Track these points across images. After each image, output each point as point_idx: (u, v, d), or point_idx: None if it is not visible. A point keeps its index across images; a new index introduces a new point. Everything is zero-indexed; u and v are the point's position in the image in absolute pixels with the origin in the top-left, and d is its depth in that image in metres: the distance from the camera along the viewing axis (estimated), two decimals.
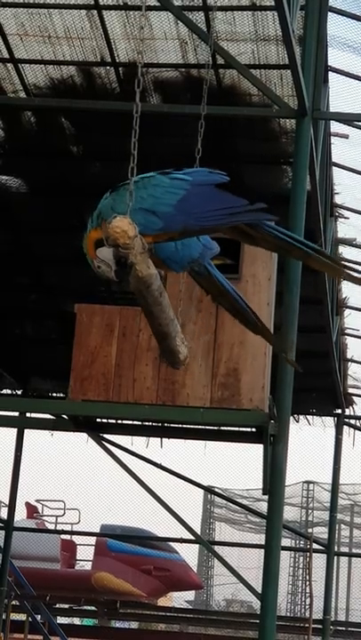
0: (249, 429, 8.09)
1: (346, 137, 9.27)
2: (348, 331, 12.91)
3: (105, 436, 8.22)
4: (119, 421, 8.63)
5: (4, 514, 15.22)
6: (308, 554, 11.14)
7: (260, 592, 6.82)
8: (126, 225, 3.73)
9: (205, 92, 5.06)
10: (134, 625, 22.44)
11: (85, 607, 18.54)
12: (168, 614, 17.94)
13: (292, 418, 9.39)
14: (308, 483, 29.18)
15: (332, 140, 9.44)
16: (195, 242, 4.37)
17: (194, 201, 4.06)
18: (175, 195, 4.08)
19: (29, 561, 17.78)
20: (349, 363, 13.52)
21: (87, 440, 9.05)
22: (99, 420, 8.35)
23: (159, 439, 12.43)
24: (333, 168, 9.95)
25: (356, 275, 4.44)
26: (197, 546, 23.00)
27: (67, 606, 18.64)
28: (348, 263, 4.59)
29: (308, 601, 11.32)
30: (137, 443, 10.95)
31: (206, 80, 5.20)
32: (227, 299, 4.63)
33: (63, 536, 19.40)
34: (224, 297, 4.63)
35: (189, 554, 23.00)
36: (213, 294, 4.68)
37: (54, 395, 14.36)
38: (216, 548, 16.49)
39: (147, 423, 8.44)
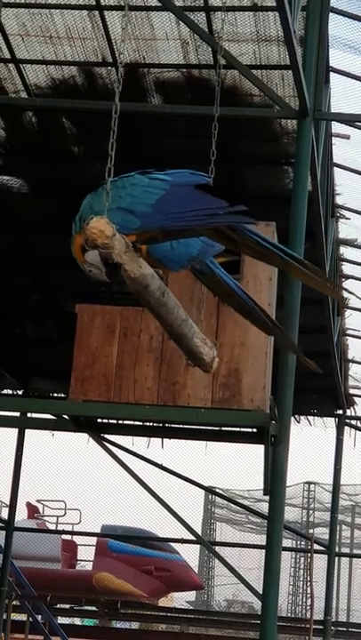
0: (250, 430, 8.08)
1: (347, 137, 9.27)
2: (349, 331, 12.91)
3: (106, 436, 8.22)
4: (120, 422, 8.63)
5: (5, 514, 15.22)
6: (309, 554, 11.14)
7: (260, 592, 6.82)
8: (103, 225, 3.71)
9: (218, 93, 5.06)
10: (135, 625, 22.44)
11: (86, 607, 18.54)
12: (169, 615, 17.95)
13: (293, 418, 9.40)
14: (309, 483, 29.18)
15: (334, 140, 9.44)
16: (193, 239, 4.32)
17: (172, 201, 4.01)
18: (153, 194, 4.04)
19: (30, 561, 17.79)
20: (350, 363, 13.52)
21: (88, 440, 9.04)
22: (100, 420, 8.35)
23: (160, 439, 12.42)
24: (335, 168, 9.95)
25: (332, 286, 4.37)
26: (198, 546, 23.01)
27: (67, 606, 18.64)
28: (324, 275, 4.48)
29: (308, 601, 11.32)
30: (138, 443, 10.93)
31: (217, 81, 5.20)
32: (234, 299, 4.57)
33: (64, 536, 19.41)
34: (231, 297, 4.57)
35: (190, 554, 22.99)
36: (220, 295, 4.63)
37: (55, 395, 14.36)
38: (217, 548, 16.49)
39: (148, 423, 8.44)
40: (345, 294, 12.10)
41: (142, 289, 4.00)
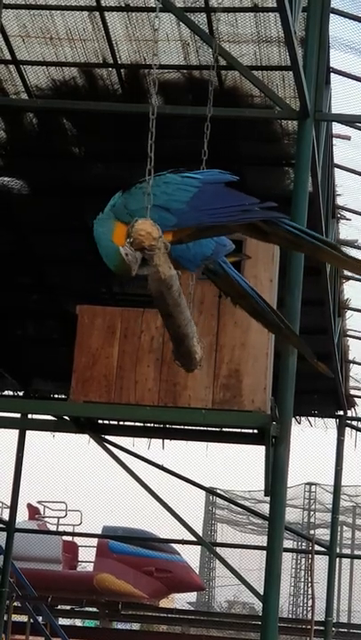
0: (251, 431, 8.08)
1: (348, 138, 9.27)
2: (349, 332, 12.91)
3: (106, 437, 8.22)
4: (121, 423, 8.63)
5: (6, 515, 15.22)
6: (310, 555, 11.13)
7: (261, 594, 6.81)
8: (149, 227, 3.74)
9: (211, 93, 5.07)
10: (136, 626, 22.43)
11: (87, 608, 18.53)
12: (170, 616, 17.93)
13: (293, 419, 9.38)
14: (310, 484, 29.16)
15: (334, 141, 9.44)
16: (206, 239, 4.38)
17: (206, 198, 4.09)
18: (187, 192, 4.11)
19: (31, 562, 17.80)
20: (351, 364, 13.51)
21: (89, 441, 9.03)
22: (100, 421, 8.35)
23: (161, 440, 12.44)
24: (335, 169, 9.95)
25: None
26: (199, 547, 23.01)
27: (68, 607, 18.62)
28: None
29: (310, 603, 11.32)
30: (138, 444, 10.92)
31: (211, 82, 5.21)
32: (247, 300, 4.61)
33: (65, 537, 19.41)
34: (244, 298, 4.61)
35: (191, 555, 22.98)
36: (232, 296, 4.66)
37: (56, 396, 14.36)
38: (218, 549, 16.50)
39: (148, 424, 8.44)
40: (346, 295, 12.10)
41: (166, 290, 3.98)
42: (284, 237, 4.30)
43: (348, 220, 10.74)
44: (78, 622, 21.20)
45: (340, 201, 10.49)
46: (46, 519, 21.05)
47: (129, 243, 3.79)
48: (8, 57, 9.12)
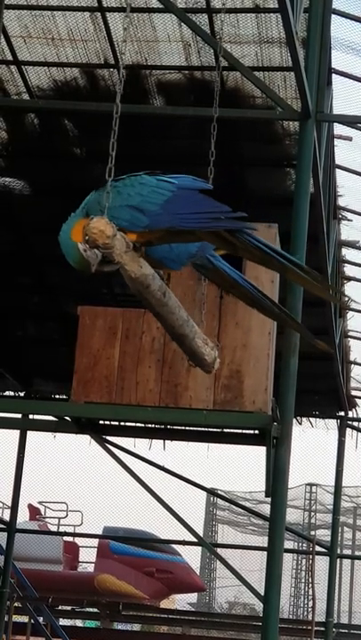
0: (252, 432, 8.08)
1: (349, 139, 9.27)
2: (351, 333, 12.90)
3: (107, 438, 8.22)
4: (122, 423, 8.62)
5: (7, 515, 15.21)
6: (310, 556, 11.13)
7: (262, 594, 6.81)
8: (103, 225, 3.75)
9: (217, 94, 5.08)
10: (137, 627, 22.43)
11: (88, 609, 18.54)
12: (170, 616, 17.93)
13: (294, 420, 9.37)
14: (311, 485, 29.16)
15: (336, 142, 9.44)
16: None
17: (179, 203, 4.13)
18: (162, 195, 4.15)
19: (32, 563, 17.79)
20: (352, 365, 13.51)
21: (90, 442, 9.03)
22: (101, 422, 8.35)
23: (162, 441, 12.43)
24: (337, 170, 9.95)
25: (331, 291, 4.47)
26: (200, 548, 23.01)
27: (69, 608, 18.63)
28: (324, 280, 4.59)
29: (310, 603, 11.31)
30: (140, 445, 10.92)
31: (217, 83, 5.21)
32: (239, 290, 4.64)
33: (66, 538, 19.41)
34: (236, 288, 4.65)
35: (192, 556, 22.98)
36: (225, 287, 4.72)
37: (57, 397, 14.36)
38: (219, 550, 16.48)
39: (149, 425, 8.44)
40: (347, 295, 12.09)
41: (143, 289, 4.03)
42: (254, 253, 4.31)
43: (349, 220, 10.73)
44: (79, 623, 21.20)
45: (341, 202, 10.49)
46: (47, 520, 21.05)
47: (85, 240, 3.83)
48: (9, 57, 9.12)
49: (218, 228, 4.18)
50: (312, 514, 29.32)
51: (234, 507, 24.68)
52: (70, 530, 19.27)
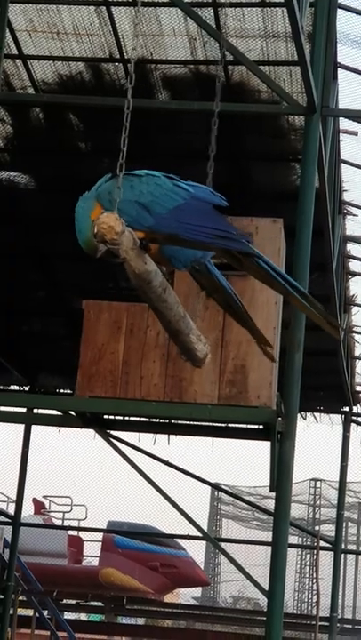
0: (256, 426, 8.08)
1: (355, 134, 9.25)
2: (355, 328, 12.89)
3: (112, 432, 8.22)
4: (126, 418, 8.63)
5: (12, 509, 15.24)
6: (315, 551, 11.14)
7: (266, 589, 6.82)
8: (113, 220, 3.76)
9: (219, 89, 5.07)
10: (141, 621, 22.47)
11: (92, 603, 18.58)
12: (175, 611, 17.97)
13: (299, 415, 9.38)
14: (316, 480, 29.14)
15: (341, 137, 9.42)
16: None
17: (189, 213, 4.15)
18: (173, 200, 4.16)
19: (37, 557, 17.82)
20: (357, 360, 13.50)
21: (94, 436, 9.05)
22: (106, 416, 8.35)
23: (166, 436, 12.45)
24: (342, 165, 9.93)
25: (333, 324, 4.53)
26: (204, 543, 23.05)
27: (74, 602, 18.67)
28: (327, 314, 4.65)
29: (314, 598, 11.31)
30: (144, 439, 10.94)
31: (218, 77, 5.20)
32: (221, 295, 4.73)
33: (70, 532, 19.44)
34: (219, 293, 4.74)
35: (196, 551, 23.01)
36: (208, 290, 4.79)
37: (62, 391, 14.37)
38: (223, 544, 16.52)
39: (154, 420, 8.44)
40: (351, 292, 12.09)
41: (145, 285, 4.05)
42: (258, 272, 4.36)
43: (354, 215, 10.72)
44: (83, 616, 21.22)
45: (346, 197, 10.47)
46: (52, 514, 21.08)
47: (93, 234, 3.84)
48: (15, 52, 9.11)
49: (223, 247, 4.21)
50: (316, 509, 29.32)
51: (238, 501, 24.66)
52: (75, 524, 19.30)
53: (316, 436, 16.04)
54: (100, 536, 19.43)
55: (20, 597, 14.41)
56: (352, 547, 27.92)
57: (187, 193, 4.19)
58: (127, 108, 4.16)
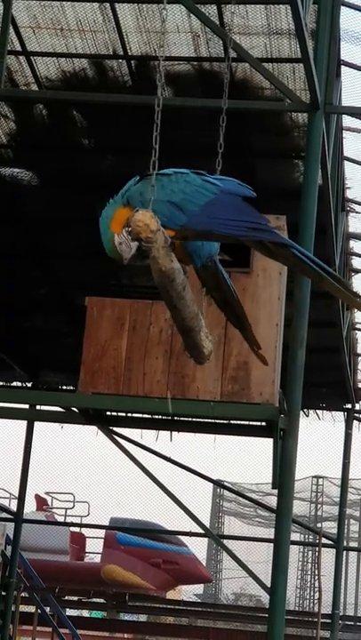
0: (259, 423, 8.08)
1: (358, 131, 9.25)
2: (358, 325, 12.90)
3: (115, 429, 8.23)
4: (129, 414, 8.64)
5: (14, 506, 15.25)
6: (317, 548, 11.14)
7: (268, 586, 6.83)
8: (149, 218, 3.77)
9: (226, 86, 5.08)
10: (143, 618, 22.49)
11: (94, 600, 18.58)
12: (177, 607, 17.98)
13: (301, 412, 9.38)
14: (318, 477, 29.15)
15: (344, 134, 9.42)
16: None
17: (220, 207, 4.13)
18: (204, 196, 4.15)
19: (39, 553, 17.83)
20: (359, 357, 13.51)
21: (97, 433, 9.06)
22: (109, 413, 8.36)
23: (169, 432, 12.45)
24: (345, 162, 9.93)
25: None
26: (206, 539, 23.03)
27: (76, 598, 18.68)
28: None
29: (316, 595, 11.32)
30: (146, 436, 10.94)
31: (226, 75, 5.20)
32: (221, 292, 4.72)
33: (72, 528, 19.45)
34: (219, 290, 4.72)
35: (198, 547, 23.02)
36: (209, 286, 4.78)
37: (64, 387, 14.38)
38: (225, 541, 16.51)
39: (156, 416, 8.45)
40: (355, 288, 12.08)
41: (168, 282, 4.05)
42: (290, 259, 4.34)
43: (357, 212, 10.72)
44: (85, 613, 21.25)
45: (349, 194, 10.47)
46: (54, 510, 21.09)
47: (127, 232, 3.83)
48: (18, 48, 9.11)
49: (258, 239, 4.20)
50: (319, 506, 29.33)
51: (240, 498, 24.67)
52: (77, 520, 19.30)
53: (319, 433, 16.09)
54: (102, 533, 19.45)
55: (23, 594, 14.42)
56: (354, 544, 27.93)
57: (216, 187, 4.18)
58: (157, 105, 4.16)
